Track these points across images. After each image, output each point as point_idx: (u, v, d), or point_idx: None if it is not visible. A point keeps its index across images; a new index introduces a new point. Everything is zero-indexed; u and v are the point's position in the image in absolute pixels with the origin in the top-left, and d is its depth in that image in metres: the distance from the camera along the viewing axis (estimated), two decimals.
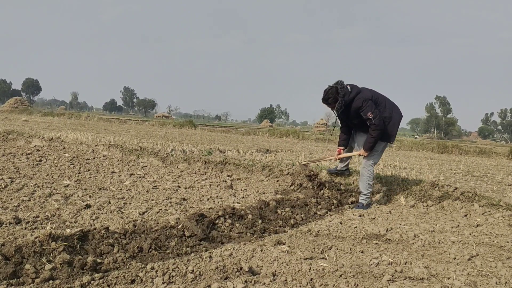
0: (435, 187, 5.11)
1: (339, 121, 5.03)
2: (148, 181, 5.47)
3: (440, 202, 4.90)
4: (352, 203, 5.09)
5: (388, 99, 4.82)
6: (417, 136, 66.82)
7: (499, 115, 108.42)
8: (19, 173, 5.20)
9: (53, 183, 4.83)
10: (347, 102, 4.55)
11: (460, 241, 3.44)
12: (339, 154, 5.16)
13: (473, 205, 4.67)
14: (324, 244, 3.23)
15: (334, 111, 4.68)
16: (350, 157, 5.48)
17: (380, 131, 4.58)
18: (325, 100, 4.64)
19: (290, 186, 5.68)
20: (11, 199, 3.96)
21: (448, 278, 2.59)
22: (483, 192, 5.28)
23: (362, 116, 4.57)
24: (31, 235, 2.92)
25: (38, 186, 4.56)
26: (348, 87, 4.58)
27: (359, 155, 4.93)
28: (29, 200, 3.95)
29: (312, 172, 5.45)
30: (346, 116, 4.77)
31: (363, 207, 4.75)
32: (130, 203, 4.19)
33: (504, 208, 4.50)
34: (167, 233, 3.15)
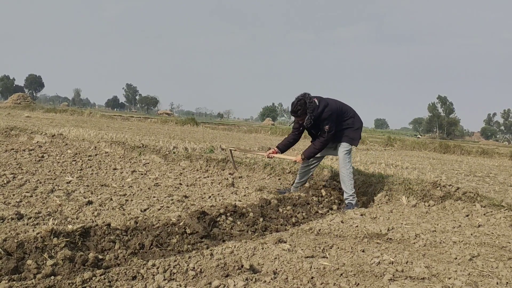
0: (437, 187, 5.10)
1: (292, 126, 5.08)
2: (150, 178, 5.47)
3: (442, 202, 4.88)
4: None
5: (351, 108, 4.99)
6: (419, 136, 66.69)
7: (502, 115, 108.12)
8: (22, 169, 5.22)
9: (55, 179, 4.84)
10: (316, 116, 4.63)
11: (462, 241, 3.43)
12: (273, 154, 5.08)
13: (475, 205, 4.66)
14: (325, 242, 3.23)
15: (304, 124, 4.70)
16: (308, 177, 5.34)
17: (326, 144, 4.79)
18: (295, 112, 4.68)
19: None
20: (13, 194, 3.98)
21: (449, 278, 2.58)
22: (485, 192, 5.27)
23: (321, 126, 4.69)
24: (33, 230, 2.93)
25: (40, 182, 4.58)
26: (315, 100, 4.65)
27: (294, 162, 4.94)
28: (31, 196, 3.96)
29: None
30: (312, 128, 4.83)
31: (352, 206, 4.72)
32: (131, 200, 4.20)
33: (506, 209, 4.49)
34: (169, 230, 3.16)
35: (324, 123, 4.66)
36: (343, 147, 4.86)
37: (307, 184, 5.50)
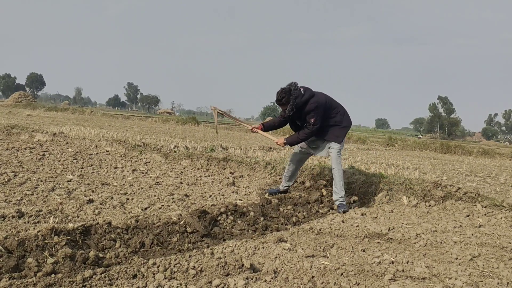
0: (438, 187, 5.09)
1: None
2: (150, 177, 5.48)
3: (442, 202, 4.88)
4: (354, 201, 5.07)
5: (341, 105, 4.90)
6: (420, 136, 66.58)
7: (503, 116, 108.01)
8: (23, 167, 5.22)
9: (56, 177, 4.85)
10: (299, 104, 4.52)
11: (462, 241, 3.43)
12: (258, 129, 5.01)
13: (475, 205, 4.65)
14: (325, 242, 3.23)
15: (286, 112, 4.60)
16: (297, 173, 5.30)
17: (309, 137, 4.73)
18: (279, 100, 4.57)
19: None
20: (14, 193, 3.98)
21: (450, 278, 2.58)
22: (486, 192, 5.26)
23: (306, 118, 4.60)
24: (34, 229, 2.93)
25: (41, 181, 4.58)
26: (301, 89, 4.58)
27: (276, 143, 4.91)
28: (32, 194, 3.96)
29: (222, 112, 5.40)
30: (297, 118, 4.74)
31: (344, 207, 4.58)
32: (132, 199, 4.20)
33: (507, 209, 4.48)
34: (169, 229, 3.16)
35: (310, 115, 4.57)
36: (335, 147, 4.75)
37: (308, 184, 5.50)
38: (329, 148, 4.80)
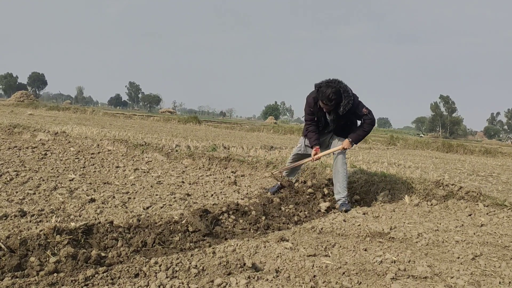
0: (440, 186, 5.09)
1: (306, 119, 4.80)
2: (152, 176, 5.48)
3: (444, 201, 4.87)
4: (356, 201, 5.07)
5: None
6: (422, 135, 66.52)
7: (505, 114, 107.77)
8: (25, 167, 5.23)
9: (58, 176, 4.86)
10: (352, 104, 4.36)
11: (464, 241, 3.43)
12: (316, 153, 4.69)
13: (477, 204, 4.64)
14: (327, 241, 3.23)
15: (340, 111, 4.35)
16: (299, 168, 5.21)
17: (371, 128, 4.63)
18: (330, 100, 4.24)
19: (295, 183, 5.67)
20: (16, 192, 3.99)
21: (452, 277, 2.58)
22: (488, 191, 5.25)
23: (357, 113, 4.46)
24: (36, 228, 2.94)
25: (43, 180, 4.59)
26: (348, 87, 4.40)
27: (343, 148, 4.63)
28: (34, 194, 3.97)
29: (289, 181, 5.14)
30: (337, 116, 4.52)
31: (346, 205, 4.52)
32: (134, 198, 4.20)
33: (509, 208, 4.47)
34: (171, 228, 3.16)
35: (358, 109, 4.42)
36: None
37: (309, 183, 5.49)
38: (338, 145, 4.70)
